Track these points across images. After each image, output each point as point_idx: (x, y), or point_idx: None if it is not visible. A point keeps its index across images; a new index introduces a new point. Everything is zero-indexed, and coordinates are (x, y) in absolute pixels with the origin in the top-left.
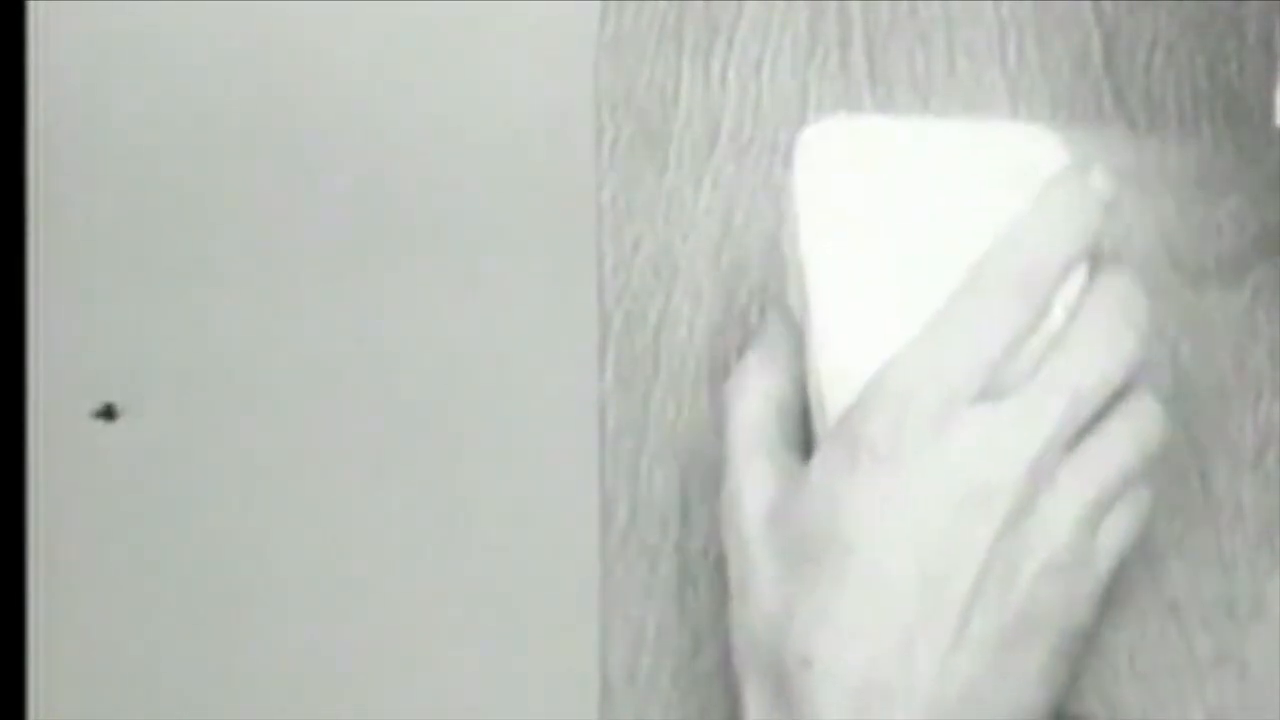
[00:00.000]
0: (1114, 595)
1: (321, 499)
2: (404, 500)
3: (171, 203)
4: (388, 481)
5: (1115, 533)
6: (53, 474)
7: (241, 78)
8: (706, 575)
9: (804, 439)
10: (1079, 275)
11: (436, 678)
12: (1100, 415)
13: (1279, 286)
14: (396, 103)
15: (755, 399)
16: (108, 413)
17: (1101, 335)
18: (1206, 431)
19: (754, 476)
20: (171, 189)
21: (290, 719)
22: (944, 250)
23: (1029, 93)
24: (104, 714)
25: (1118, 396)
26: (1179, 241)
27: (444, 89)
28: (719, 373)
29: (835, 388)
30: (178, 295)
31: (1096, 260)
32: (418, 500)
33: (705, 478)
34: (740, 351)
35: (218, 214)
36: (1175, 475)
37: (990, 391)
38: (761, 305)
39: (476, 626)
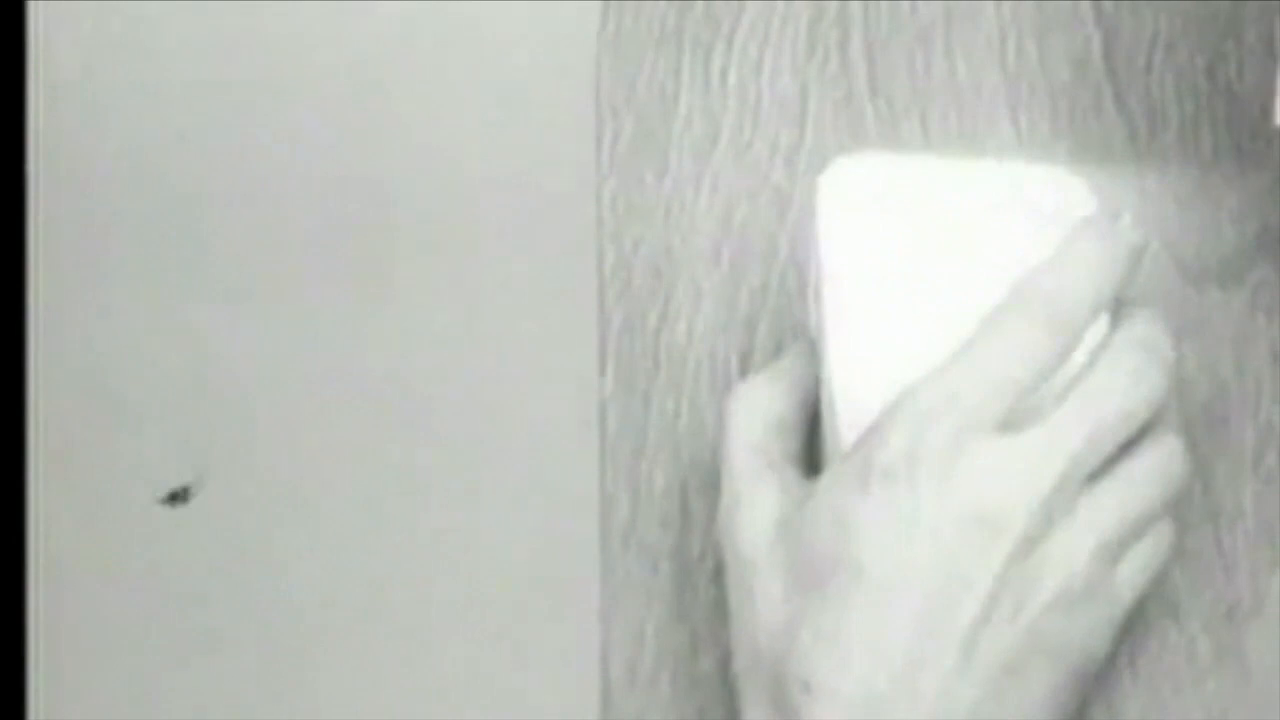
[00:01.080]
0: None
1: (317, 497)
2: (403, 500)
3: (168, 204)
4: (386, 482)
5: (1137, 566)
6: (50, 485)
7: (240, 77)
8: (706, 576)
9: (806, 460)
10: (1102, 323)
11: (437, 678)
12: (1124, 453)
13: (1279, 286)
14: (397, 103)
15: (757, 413)
16: (178, 496)
17: (1125, 371)
18: (1207, 432)
19: (755, 492)
20: (169, 190)
21: (289, 718)
22: (964, 287)
23: (1029, 93)
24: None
25: (1141, 435)
26: (1180, 242)
27: (444, 89)
28: (719, 373)
29: (848, 413)
30: (170, 295)
31: (1122, 303)
32: (417, 500)
33: (705, 478)
34: (741, 352)
35: (215, 215)
36: None
37: (1010, 425)
38: (762, 306)
39: (477, 627)
